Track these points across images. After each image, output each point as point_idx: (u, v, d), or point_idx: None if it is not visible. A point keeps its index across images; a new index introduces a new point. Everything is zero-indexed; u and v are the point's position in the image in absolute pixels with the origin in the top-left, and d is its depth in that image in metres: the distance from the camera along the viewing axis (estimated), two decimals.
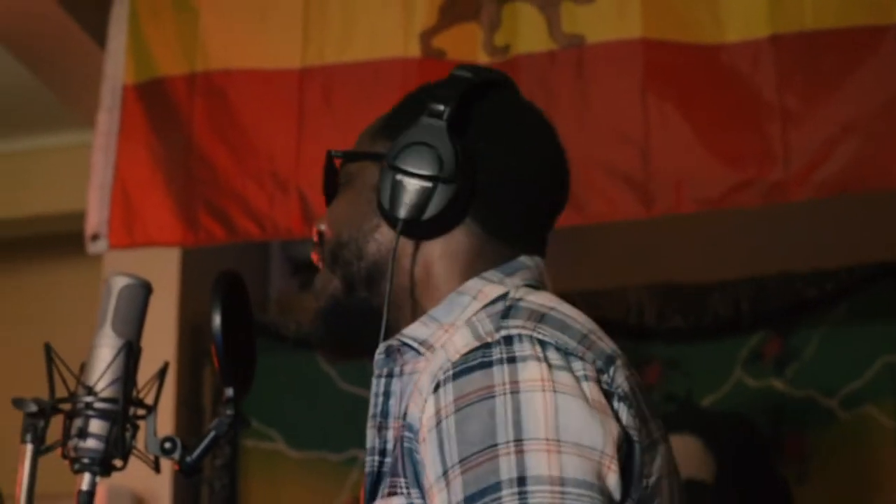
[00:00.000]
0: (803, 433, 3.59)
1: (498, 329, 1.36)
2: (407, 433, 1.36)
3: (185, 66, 3.14)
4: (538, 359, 1.32)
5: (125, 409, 1.84)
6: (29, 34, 3.62)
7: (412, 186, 1.49)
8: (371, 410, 1.47)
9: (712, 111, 2.86)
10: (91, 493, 1.87)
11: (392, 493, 1.37)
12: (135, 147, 3.15)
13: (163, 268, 3.97)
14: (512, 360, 1.32)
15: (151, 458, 1.91)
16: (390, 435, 1.45)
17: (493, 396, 1.29)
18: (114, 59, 3.20)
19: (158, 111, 3.16)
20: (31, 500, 1.93)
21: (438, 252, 1.52)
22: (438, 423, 1.31)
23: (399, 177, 1.49)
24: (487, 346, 1.34)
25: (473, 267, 1.51)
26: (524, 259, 1.53)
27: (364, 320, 1.52)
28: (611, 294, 3.68)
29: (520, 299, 1.44)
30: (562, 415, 1.28)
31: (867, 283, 3.58)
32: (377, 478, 1.44)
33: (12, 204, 4.82)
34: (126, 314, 1.90)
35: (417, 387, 1.37)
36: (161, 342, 3.78)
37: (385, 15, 3.04)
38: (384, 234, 1.53)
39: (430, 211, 1.49)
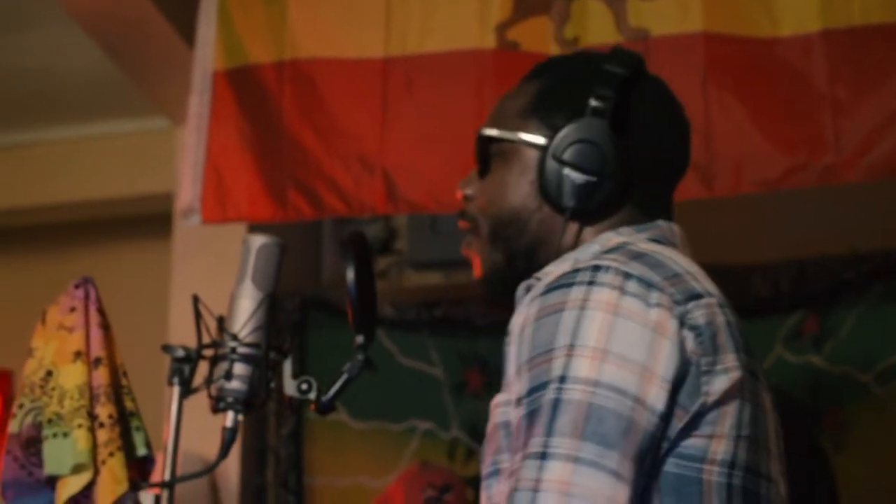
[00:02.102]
0: (840, 406, 3.77)
1: (593, 259, 1.55)
2: (506, 338, 1.57)
3: (273, 54, 3.33)
4: (613, 287, 1.50)
5: (267, 354, 2.04)
6: (110, 20, 3.78)
7: (579, 180, 1.65)
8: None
9: (768, 100, 3.05)
10: (235, 430, 2.03)
11: (499, 392, 1.58)
12: (226, 129, 3.33)
13: (228, 246, 4.06)
14: (591, 283, 1.51)
15: (287, 398, 2.09)
16: None
17: (564, 310, 1.50)
18: (203, 47, 3.39)
19: (248, 96, 3.35)
20: (177, 436, 2.13)
21: (595, 230, 1.69)
22: (522, 329, 1.53)
23: (566, 171, 1.66)
24: (576, 271, 1.53)
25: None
26: (660, 222, 1.70)
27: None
28: None
29: (631, 244, 1.62)
30: (616, 332, 1.47)
31: None
32: None
33: (79, 187, 4.96)
34: (265, 269, 2.06)
35: (523, 301, 1.58)
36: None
37: (462, 8, 3.23)
38: (546, 214, 1.69)
39: (595, 202, 1.66)
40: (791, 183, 3.01)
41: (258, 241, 2.09)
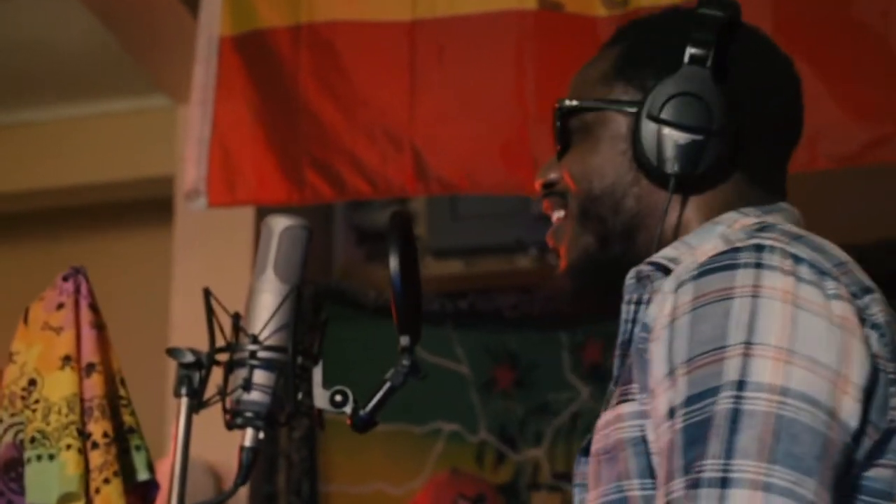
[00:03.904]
0: None
1: (750, 238, 1.36)
2: (641, 333, 1.36)
3: (289, 17, 3.15)
4: (785, 271, 1.30)
5: (294, 359, 1.76)
6: None
7: (682, 140, 1.47)
8: (619, 339, 1.45)
9: (844, 65, 2.86)
10: (255, 450, 1.81)
11: (622, 402, 1.37)
12: (234, 101, 3.16)
13: (235, 233, 4.02)
14: (759, 265, 1.30)
15: (316, 412, 1.84)
16: None
17: (732, 298, 1.28)
18: (208, 10, 3.20)
19: (259, 64, 3.17)
20: (185, 457, 1.87)
21: (703, 204, 1.50)
22: (673, 321, 1.31)
23: (666, 130, 1.48)
24: (736, 249, 1.33)
25: None
26: (784, 204, 1.52)
27: (618, 275, 1.48)
28: None
29: (775, 224, 1.43)
30: (800, 328, 1.27)
31: None
32: None
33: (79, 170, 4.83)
34: (289, 258, 1.81)
35: (662, 289, 1.36)
36: (236, 305, 3.77)
37: None
38: (644, 188, 1.51)
39: (703, 165, 1.47)
40: (874, 157, 2.80)
41: (281, 223, 1.85)
